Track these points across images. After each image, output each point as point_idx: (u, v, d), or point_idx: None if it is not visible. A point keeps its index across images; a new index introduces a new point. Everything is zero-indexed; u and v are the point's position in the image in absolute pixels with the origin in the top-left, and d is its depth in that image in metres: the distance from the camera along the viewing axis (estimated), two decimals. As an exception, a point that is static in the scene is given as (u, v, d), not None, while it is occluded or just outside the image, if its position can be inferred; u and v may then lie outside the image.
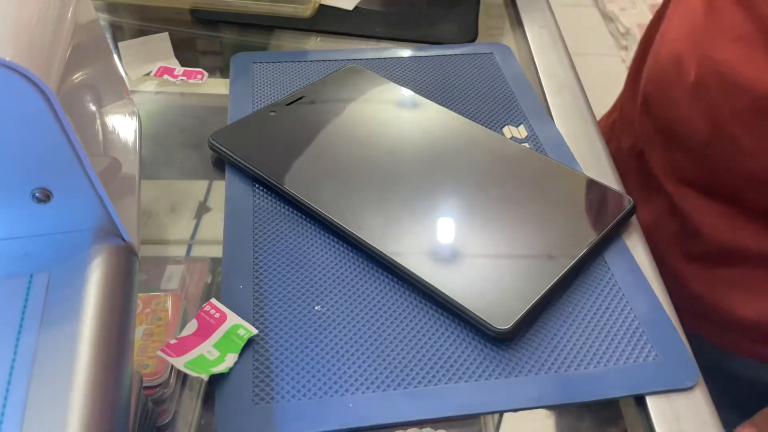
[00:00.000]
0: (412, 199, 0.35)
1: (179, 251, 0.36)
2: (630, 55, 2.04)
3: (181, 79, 0.46)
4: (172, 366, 0.29)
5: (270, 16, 0.53)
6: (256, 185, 0.38)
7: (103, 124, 0.32)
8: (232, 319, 0.30)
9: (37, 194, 0.26)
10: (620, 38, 2.15)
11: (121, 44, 0.48)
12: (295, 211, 0.36)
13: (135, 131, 0.37)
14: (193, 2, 0.54)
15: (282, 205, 0.36)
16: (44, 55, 0.24)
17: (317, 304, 0.31)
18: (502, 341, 0.30)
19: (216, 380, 0.28)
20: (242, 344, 0.29)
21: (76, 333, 0.24)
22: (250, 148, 0.38)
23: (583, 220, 0.35)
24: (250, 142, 0.39)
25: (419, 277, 0.31)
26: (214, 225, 0.36)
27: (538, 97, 0.46)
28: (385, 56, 0.49)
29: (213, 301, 0.31)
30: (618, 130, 0.58)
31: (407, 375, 0.29)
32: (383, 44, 0.50)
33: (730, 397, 0.34)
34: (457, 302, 0.30)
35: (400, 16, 0.56)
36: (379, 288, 0.32)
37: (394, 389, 0.28)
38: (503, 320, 0.29)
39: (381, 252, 0.32)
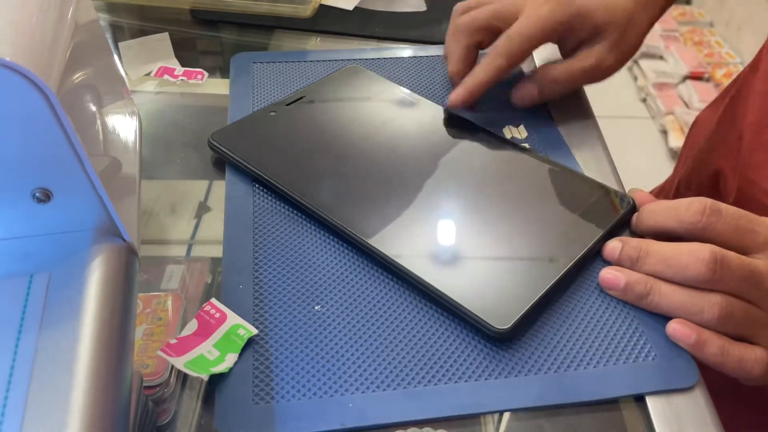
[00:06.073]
0: (412, 200, 0.35)
1: (179, 251, 0.36)
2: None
3: (181, 79, 0.46)
4: (172, 366, 0.29)
5: (270, 16, 0.54)
6: (256, 185, 0.38)
7: (103, 124, 0.32)
8: (232, 319, 0.30)
9: (37, 194, 0.26)
10: (620, 38, 2.14)
11: (121, 44, 0.48)
12: (295, 211, 0.36)
13: (135, 131, 0.37)
14: (193, 2, 0.54)
15: (282, 205, 0.36)
16: (44, 55, 0.24)
17: (317, 304, 0.31)
18: (501, 341, 0.30)
19: (216, 380, 0.28)
20: (242, 344, 0.29)
21: (76, 333, 0.24)
22: (250, 148, 0.38)
23: (583, 220, 0.35)
24: (250, 142, 0.39)
25: (419, 277, 0.31)
26: (214, 225, 0.36)
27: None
28: (385, 56, 0.49)
29: (213, 301, 0.31)
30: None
31: (407, 375, 0.29)
32: (383, 44, 0.50)
33: (730, 389, 0.33)
34: (456, 302, 0.30)
35: (400, 16, 0.56)
36: (379, 288, 0.32)
37: (394, 389, 0.28)
38: (503, 320, 0.29)
39: (381, 252, 0.32)
